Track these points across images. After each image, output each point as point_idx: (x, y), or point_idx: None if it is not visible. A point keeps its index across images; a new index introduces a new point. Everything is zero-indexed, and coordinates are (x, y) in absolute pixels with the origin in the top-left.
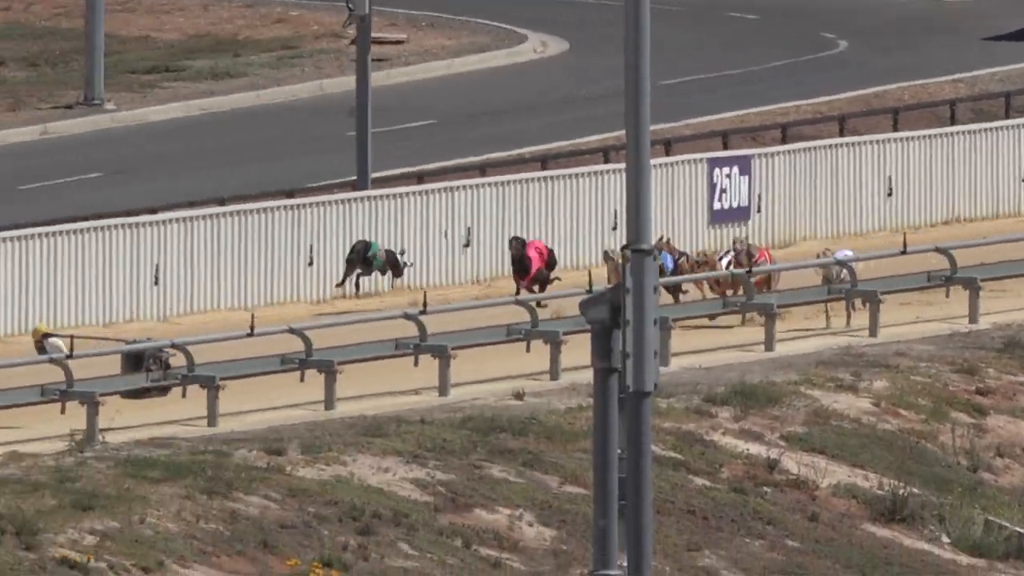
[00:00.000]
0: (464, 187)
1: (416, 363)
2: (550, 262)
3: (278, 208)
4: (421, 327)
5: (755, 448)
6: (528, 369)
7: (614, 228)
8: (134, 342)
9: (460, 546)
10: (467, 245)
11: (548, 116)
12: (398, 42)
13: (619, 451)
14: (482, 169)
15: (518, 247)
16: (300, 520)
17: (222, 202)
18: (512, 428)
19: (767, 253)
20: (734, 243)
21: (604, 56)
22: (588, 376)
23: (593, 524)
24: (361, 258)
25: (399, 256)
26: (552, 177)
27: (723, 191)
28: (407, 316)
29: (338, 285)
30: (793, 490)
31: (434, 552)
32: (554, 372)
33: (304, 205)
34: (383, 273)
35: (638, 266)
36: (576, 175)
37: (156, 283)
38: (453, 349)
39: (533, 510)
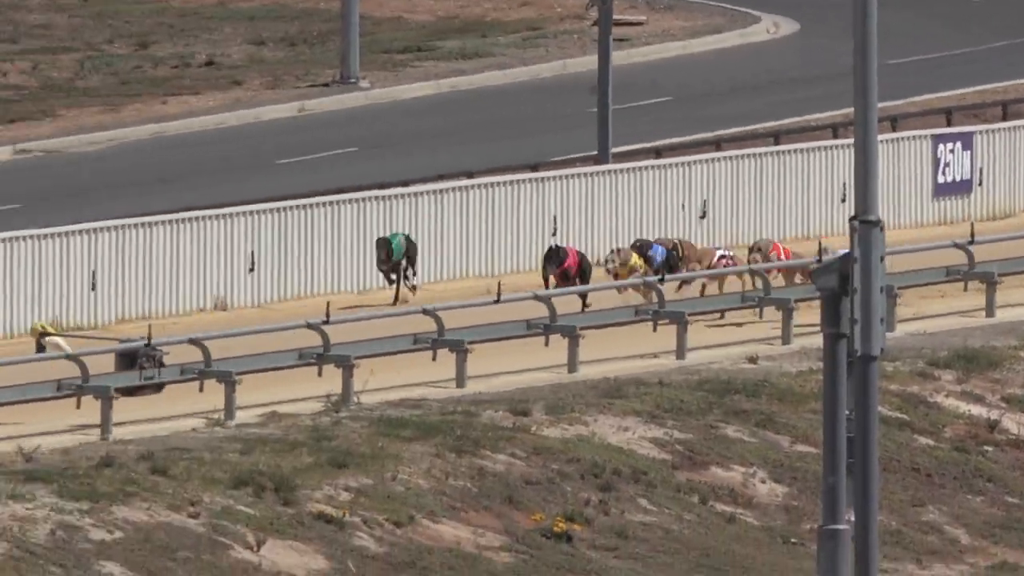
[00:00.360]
0: (700, 161)
1: (655, 329)
2: (583, 267)
3: (524, 181)
4: (660, 295)
5: (976, 409)
6: (760, 335)
7: (843, 200)
8: (127, 341)
9: (696, 502)
10: (703, 217)
11: (780, 94)
12: (638, 24)
13: (847, 412)
14: (717, 144)
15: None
16: (544, 477)
17: (470, 175)
18: (746, 390)
19: (780, 248)
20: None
21: (833, 37)
22: (818, 341)
23: (822, 481)
24: (387, 250)
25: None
26: (784, 152)
27: (946, 165)
28: (646, 284)
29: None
30: (1013, 449)
31: (671, 508)
32: (786, 337)
33: (548, 178)
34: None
35: (866, 236)
36: (807, 150)
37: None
38: (690, 315)
39: (766, 468)
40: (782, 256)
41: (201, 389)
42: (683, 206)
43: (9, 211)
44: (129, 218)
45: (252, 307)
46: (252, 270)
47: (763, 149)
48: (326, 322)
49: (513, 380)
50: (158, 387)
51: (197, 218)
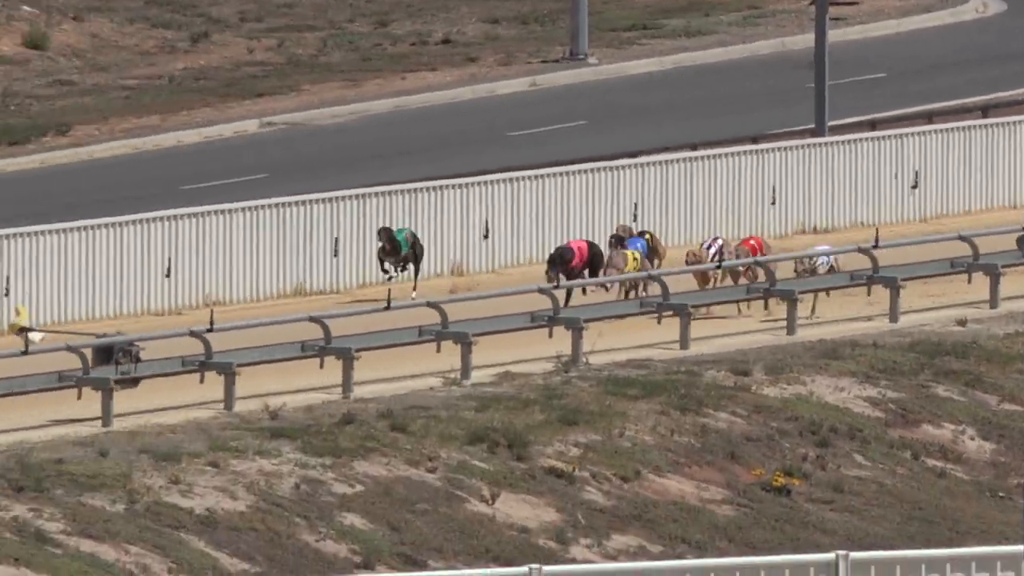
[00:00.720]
0: (912, 134)
1: (869, 292)
2: (592, 260)
3: (744, 153)
4: (874, 260)
5: None
6: (969, 298)
7: None
8: (103, 336)
9: (909, 457)
10: (915, 187)
11: (988, 70)
12: (853, 3)
13: None
14: (928, 117)
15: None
16: (764, 434)
17: (694, 147)
18: (955, 351)
19: (752, 243)
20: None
21: None
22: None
23: None
24: (389, 239)
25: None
26: (993, 125)
27: None
28: (862, 250)
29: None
30: None
31: (885, 463)
32: (993, 301)
33: (767, 150)
34: (406, 261)
35: None
36: (1017, 123)
37: (635, 219)
38: (903, 280)
39: (975, 425)
40: (757, 252)
41: (438, 350)
42: (896, 176)
43: (256, 180)
44: (369, 187)
45: (487, 272)
46: (486, 237)
47: (972, 122)
48: (556, 287)
49: (733, 342)
50: (134, 381)
51: (434, 188)
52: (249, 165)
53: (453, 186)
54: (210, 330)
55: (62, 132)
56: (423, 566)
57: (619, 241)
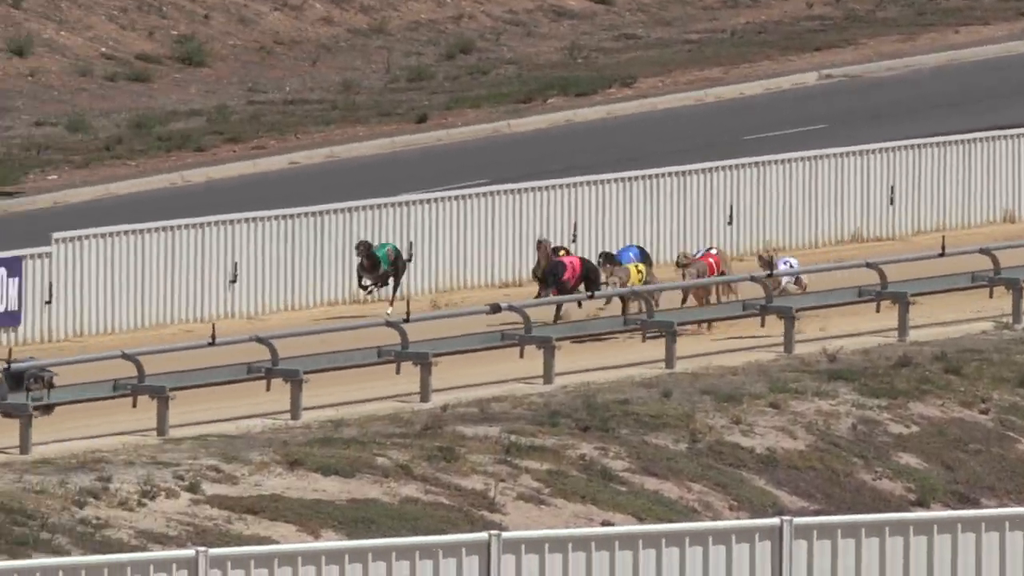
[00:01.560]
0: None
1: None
2: (586, 277)
3: None
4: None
5: None
6: None
7: None
8: (12, 362)
9: None
10: None
11: None
12: None
13: None
14: None
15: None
16: None
17: None
18: None
19: (711, 259)
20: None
21: None
22: None
23: None
24: (366, 254)
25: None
26: None
27: None
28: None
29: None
30: None
31: None
32: None
33: None
34: (385, 278)
35: None
36: None
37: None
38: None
39: None
40: (715, 271)
41: (991, 295)
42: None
43: (814, 131)
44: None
45: None
46: None
47: None
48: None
49: None
50: (47, 408)
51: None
52: (808, 116)
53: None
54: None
55: (627, 84)
56: (976, 504)
57: (608, 259)
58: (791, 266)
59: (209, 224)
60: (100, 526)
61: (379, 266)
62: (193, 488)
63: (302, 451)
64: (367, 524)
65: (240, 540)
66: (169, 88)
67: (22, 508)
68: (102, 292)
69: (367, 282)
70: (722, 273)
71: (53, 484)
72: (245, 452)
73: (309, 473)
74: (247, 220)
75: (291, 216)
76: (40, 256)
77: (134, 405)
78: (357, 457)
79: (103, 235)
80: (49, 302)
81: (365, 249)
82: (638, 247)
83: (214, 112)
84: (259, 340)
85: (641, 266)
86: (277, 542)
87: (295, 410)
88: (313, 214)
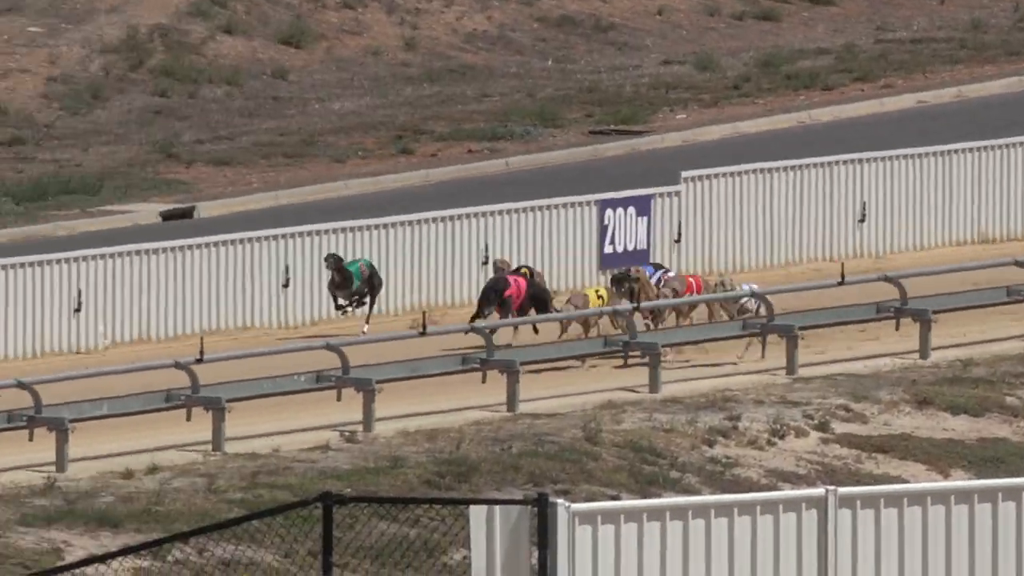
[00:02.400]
0: None
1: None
2: (535, 295)
3: None
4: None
5: None
6: None
7: None
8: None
9: None
10: None
11: None
12: None
13: None
14: None
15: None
16: None
17: None
18: None
19: (692, 281)
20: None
21: None
22: None
23: None
24: (335, 267)
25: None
26: None
27: None
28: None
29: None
30: None
31: None
32: None
33: None
34: (360, 295)
35: None
36: None
37: None
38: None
39: None
40: (694, 290)
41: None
42: None
43: None
44: None
45: None
46: None
47: None
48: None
49: None
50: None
51: None
52: None
53: None
54: None
55: None
56: None
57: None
58: (752, 289)
59: (837, 163)
60: (729, 465)
61: (351, 282)
62: (822, 427)
63: (931, 390)
64: (996, 464)
65: (869, 479)
66: (796, 27)
67: (652, 447)
68: (730, 231)
69: (341, 300)
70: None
71: (682, 423)
72: (874, 391)
73: (938, 412)
74: (877, 159)
75: (920, 156)
76: (669, 195)
77: (763, 353)
78: (986, 396)
79: (731, 174)
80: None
81: (335, 263)
82: (654, 264)
83: (842, 51)
84: (887, 279)
85: (602, 290)
86: (907, 481)
87: (923, 349)
88: (942, 154)
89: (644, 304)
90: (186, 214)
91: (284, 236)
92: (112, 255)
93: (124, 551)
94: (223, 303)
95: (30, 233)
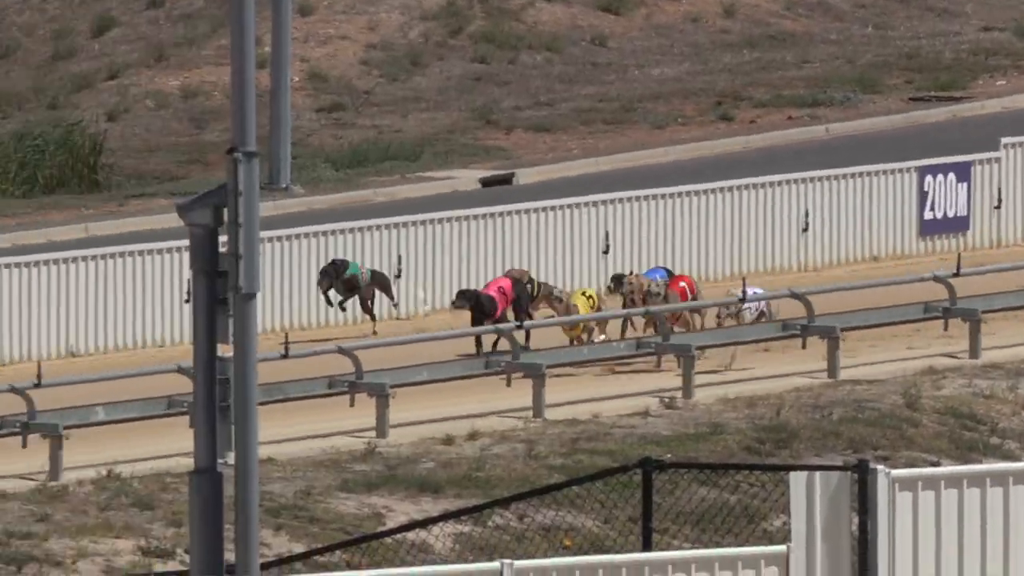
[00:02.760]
0: None
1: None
2: (520, 297)
3: None
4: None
5: None
6: None
7: None
8: None
9: None
10: None
11: None
12: None
13: None
14: None
15: (471, 299)
16: None
17: None
18: None
19: (685, 284)
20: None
21: None
22: None
23: None
24: (338, 275)
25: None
26: None
27: None
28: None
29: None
30: None
31: None
32: None
33: None
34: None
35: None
36: None
37: None
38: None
39: None
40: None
41: None
42: None
43: None
44: None
45: None
46: None
47: None
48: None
49: None
50: None
51: None
52: None
53: None
54: None
55: None
56: None
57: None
58: (756, 293)
59: None
60: None
61: (357, 285)
62: None
63: None
64: None
65: None
66: None
67: (972, 413)
68: None
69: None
70: (694, 298)
71: (1003, 389)
72: None
73: None
74: None
75: None
76: (989, 161)
77: None
78: None
79: None
80: (999, 206)
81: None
82: (665, 268)
83: None
84: None
85: (590, 291)
86: None
87: None
88: None
89: (632, 311)
90: (505, 180)
91: (604, 202)
92: (431, 221)
93: (445, 516)
94: (543, 268)
95: (349, 199)
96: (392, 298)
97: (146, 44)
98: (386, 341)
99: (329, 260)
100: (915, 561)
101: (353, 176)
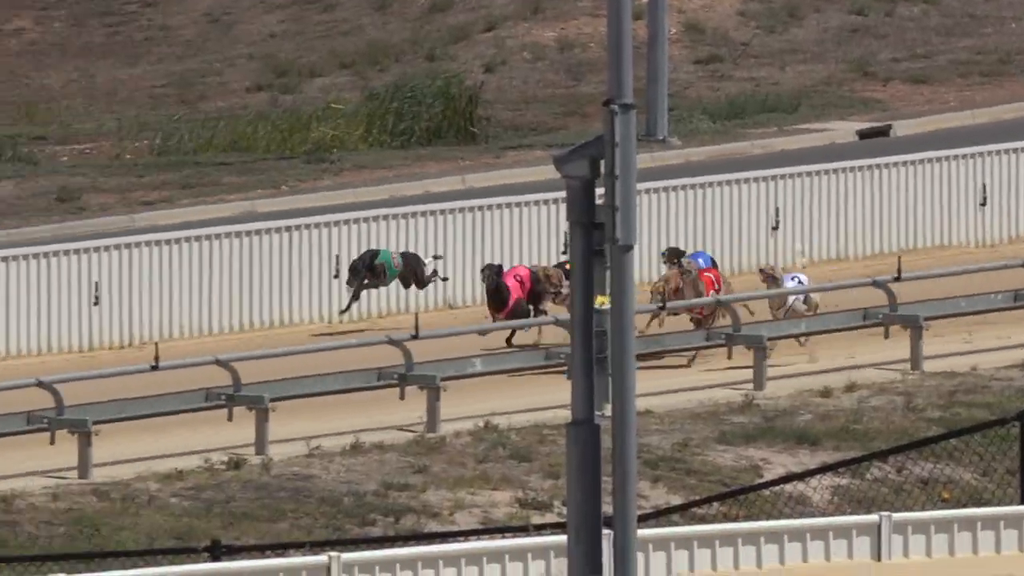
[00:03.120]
0: None
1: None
2: (536, 291)
3: None
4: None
5: None
6: None
7: None
8: None
9: None
10: None
11: None
12: None
13: None
14: None
15: (492, 276)
16: None
17: None
18: None
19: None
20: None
21: None
22: None
23: None
24: (368, 267)
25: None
26: None
27: None
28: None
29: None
30: None
31: None
32: None
33: None
34: (406, 285)
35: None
36: None
37: None
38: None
39: None
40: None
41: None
42: None
43: None
44: None
45: None
46: None
47: None
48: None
49: None
50: None
51: None
52: None
53: None
54: None
55: None
56: None
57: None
58: (800, 283)
59: None
60: None
61: (387, 274)
62: None
63: None
64: None
65: None
66: None
67: None
68: None
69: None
70: (717, 291)
71: None
72: None
73: None
74: None
75: None
76: None
77: None
78: None
79: None
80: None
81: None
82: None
83: None
84: None
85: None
86: None
87: None
88: None
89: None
90: (882, 132)
91: (981, 154)
92: (809, 173)
93: (822, 468)
94: (920, 221)
95: (726, 151)
96: (422, 284)
97: None
98: (757, 295)
99: (358, 255)
100: None
101: (730, 128)
